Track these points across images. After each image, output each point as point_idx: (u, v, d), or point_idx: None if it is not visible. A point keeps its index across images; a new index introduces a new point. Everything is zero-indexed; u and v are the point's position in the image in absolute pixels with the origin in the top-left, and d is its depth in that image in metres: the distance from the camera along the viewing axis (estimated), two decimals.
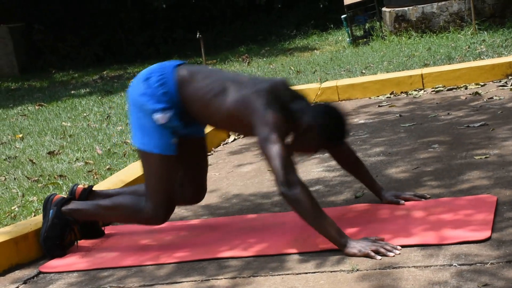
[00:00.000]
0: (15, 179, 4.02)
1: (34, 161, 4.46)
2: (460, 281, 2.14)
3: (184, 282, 2.50)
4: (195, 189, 3.00)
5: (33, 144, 5.06)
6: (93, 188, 3.13)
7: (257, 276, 2.44)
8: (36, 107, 7.12)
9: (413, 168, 3.43)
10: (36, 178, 3.97)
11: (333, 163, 3.76)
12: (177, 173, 2.90)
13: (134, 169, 3.78)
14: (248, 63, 8.70)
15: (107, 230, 3.18)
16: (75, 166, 4.18)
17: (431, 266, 2.28)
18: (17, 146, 5.05)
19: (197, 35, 8.20)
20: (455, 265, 2.25)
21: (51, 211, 2.93)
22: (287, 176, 2.50)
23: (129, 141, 4.75)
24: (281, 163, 2.51)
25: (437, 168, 3.37)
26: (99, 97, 7.39)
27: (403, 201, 2.92)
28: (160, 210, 2.79)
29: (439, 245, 2.42)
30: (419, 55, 6.56)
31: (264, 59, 8.95)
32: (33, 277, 2.76)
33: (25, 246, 2.93)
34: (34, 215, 3.25)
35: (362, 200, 3.08)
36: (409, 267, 2.30)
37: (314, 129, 2.64)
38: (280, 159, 2.51)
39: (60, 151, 4.69)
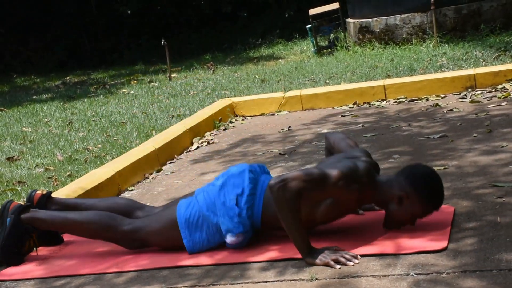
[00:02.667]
0: None
1: None
2: None
3: None
4: None
5: None
6: (52, 195, 3.09)
7: (216, 284, 2.43)
8: None
9: None
10: None
11: None
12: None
13: (95, 176, 3.74)
14: (213, 71, 8.71)
15: (66, 237, 3.13)
16: (35, 172, 4.12)
17: (389, 275, 2.30)
18: None
19: (162, 42, 8.18)
20: (412, 275, 2.28)
21: (8, 219, 2.88)
22: (292, 180, 2.45)
23: (90, 147, 4.71)
24: (298, 175, 2.46)
25: None
26: (61, 103, 7.30)
27: (362, 211, 2.95)
28: (137, 245, 2.81)
29: (397, 255, 2.45)
30: (382, 66, 6.65)
31: (229, 67, 8.97)
32: None
33: None
34: None
35: None
36: (367, 276, 2.32)
37: (412, 196, 2.54)
38: (302, 177, 2.46)
39: (20, 156, 4.62)
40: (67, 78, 10.35)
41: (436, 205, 2.59)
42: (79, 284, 2.61)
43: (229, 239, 2.65)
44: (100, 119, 5.89)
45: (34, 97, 8.31)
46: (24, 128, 5.81)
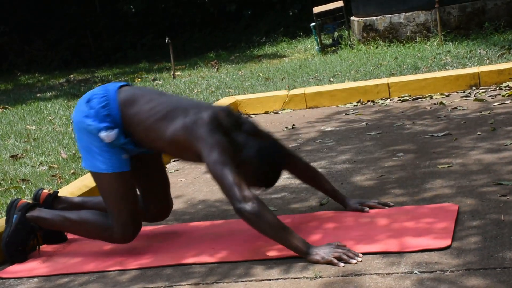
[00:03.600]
0: None
1: None
2: None
3: None
4: (159, 204, 2.97)
5: None
6: (58, 194, 3.09)
7: (220, 282, 2.43)
8: (0, 110, 7.01)
9: (378, 176, 3.46)
10: None
11: None
12: (134, 188, 2.84)
13: None
14: (217, 69, 8.71)
15: (70, 235, 3.14)
16: (38, 170, 4.13)
17: (392, 273, 2.30)
18: None
19: (166, 40, 8.18)
20: (416, 273, 2.28)
21: (15, 216, 2.89)
22: (242, 192, 2.49)
23: None
24: (233, 181, 2.50)
25: (401, 176, 3.41)
26: (65, 101, 7.31)
27: (367, 209, 2.94)
28: (127, 228, 2.78)
29: (401, 253, 2.45)
30: (386, 65, 6.64)
31: (233, 65, 8.97)
32: None
33: None
34: None
35: (327, 207, 3.10)
36: (371, 274, 2.32)
37: (249, 167, 2.61)
38: (232, 177, 2.51)
39: (24, 154, 4.63)
40: (71, 76, 10.37)
41: (266, 184, 2.68)
42: (82, 282, 2.62)
43: (104, 137, 2.70)
44: None
45: (38, 95, 8.33)
46: (28, 126, 5.82)
